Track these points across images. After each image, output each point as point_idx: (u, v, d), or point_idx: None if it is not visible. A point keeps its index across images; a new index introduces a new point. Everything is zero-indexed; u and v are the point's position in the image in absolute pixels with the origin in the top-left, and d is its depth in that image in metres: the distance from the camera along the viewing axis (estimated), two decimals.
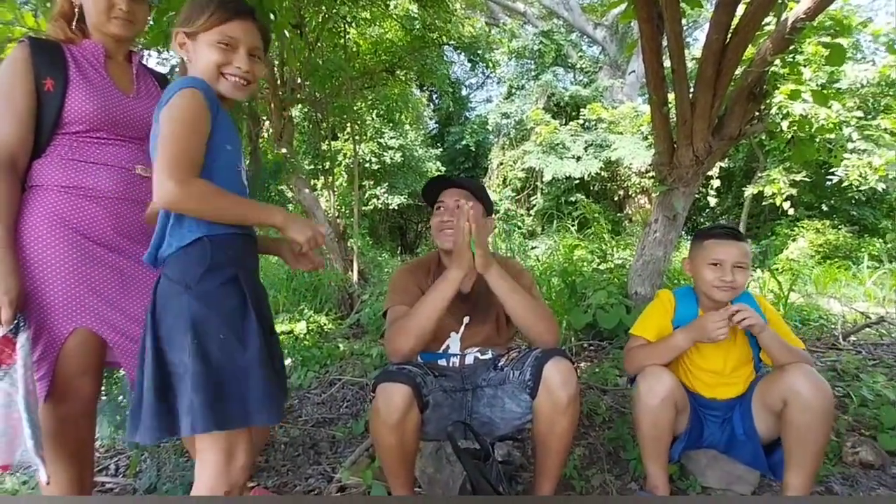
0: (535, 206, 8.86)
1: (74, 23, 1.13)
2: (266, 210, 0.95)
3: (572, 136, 8.58)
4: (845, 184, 5.95)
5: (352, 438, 1.88)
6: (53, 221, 1.04)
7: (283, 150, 3.94)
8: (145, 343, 0.90)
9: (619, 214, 8.69)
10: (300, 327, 3.26)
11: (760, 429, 1.37)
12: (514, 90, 10.67)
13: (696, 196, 2.96)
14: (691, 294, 1.50)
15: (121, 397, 1.65)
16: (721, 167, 7.29)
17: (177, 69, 1.11)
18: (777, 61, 2.33)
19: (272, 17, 1.96)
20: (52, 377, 1.04)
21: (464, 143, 10.25)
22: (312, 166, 6.64)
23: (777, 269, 5.70)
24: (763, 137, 5.80)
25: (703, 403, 1.46)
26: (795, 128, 3.53)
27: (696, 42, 11.36)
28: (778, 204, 6.52)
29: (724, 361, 1.44)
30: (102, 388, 1.30)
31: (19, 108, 1.03)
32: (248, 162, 3.45)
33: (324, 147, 5.60)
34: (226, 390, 0.86)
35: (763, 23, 2.22)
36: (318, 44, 4.17)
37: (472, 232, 1.26)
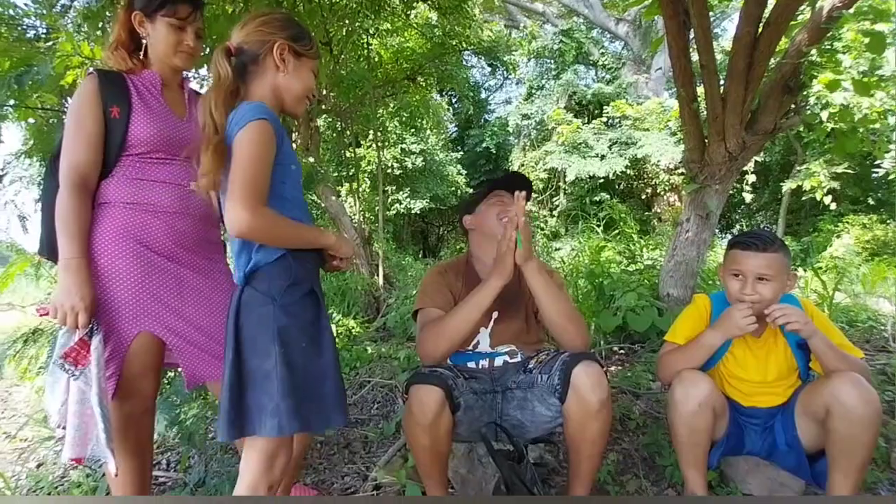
0: (557, 206, 8.77)
1: (134, 53, 1.22)
2: (322, 234, 1.03)
3: (595, 134, 8.45)
4: (893, 176, 5.65)
5: (383, 439, 1.91)
6: (120, 235, 1.13)
7: (311, 160, 4.04)
8: (226, 346, 0.97)
9: (646, 213, 8.50)
10: None
11: (804, 438, 1.31)
12: (534, 91, 10.59)
13: (731, 192, 2.86)
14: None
15: (173, 396, 1.74)
16: (756, 161, 7.03)
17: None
18: (813, 50, 2.25)
19: None
20: (119, 377, 1.13)
21: (484, 145, 10.25)
22: (337, 173, 6.77)
23: (820, 268, 5.44)
24: (801, 129, 5.57)
25: (741, 411, 1.41)
26: (836, 119, 3.37)
27: (726, 32, 11.05)
28: (819, 198, 6.23)
29: (764, 372, 1.38)
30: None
31: (90, 134, 1.13)
32: None
33: (347, 154, 5.70)
34: (306, 395, 0.93)
35: (797, 12, 2.14)
36: (342, 56, 4.27)
37: (518, 237, 1.25)
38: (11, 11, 2.55)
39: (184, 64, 1.24)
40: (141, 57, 1.23)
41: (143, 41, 1.21)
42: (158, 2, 1.17)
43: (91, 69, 1.21)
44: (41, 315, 1.12)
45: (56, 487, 1.69)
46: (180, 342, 1.16)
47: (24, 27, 2.63)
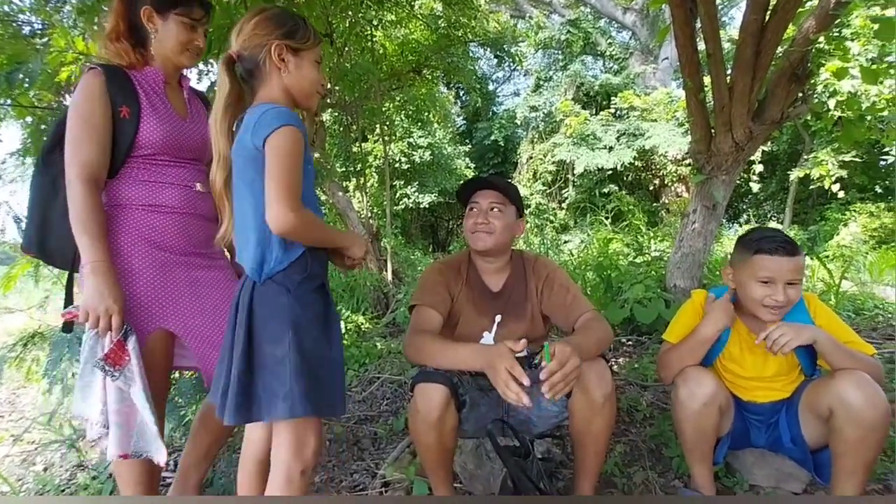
0: (566, 199, 8.73)
1: (136, 47, 1.20)
2: (345, 236, 1.10)
3: (603, 126, 8.38)
4: None
5: (392, 435, 1.93)
6: (136, 238, 1.15)
7: (317, 155, 4.05)
8: (235, 334, 0.99)
9: (654, 205, 8.43)
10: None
11: (808, 435, 1.30)
12: (541, 82, 10.50)
13: (738, 182, 2.84)
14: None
15: (177, 398, 1.76)
16: (764, 151, 6.95)
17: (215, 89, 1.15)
18: (821, 38, 2.21)
19: None
20: None
21: (492, 138, 10.19)
22: (343, 169, 6.78)
23: (827, 257, 5.39)
24: (808, 118, 5.49)
25: (743, 406, 1.41)
26: (843, 107, 3.32)
27: (733, 21, 10.84)
28: (826, 187, 6.16)
29: (761, 368, 1.37)
30: None
31: (100, 132, 1.12)
32: None
33: (354, 149, 5.71)
34: (317, 381, 0.96)
35: None
36: (346, 49, 4.25)
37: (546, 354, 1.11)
38: (6, 7, 2.47)
39: (189, 63, 1.25)
40: (142, 51, 1.20)
41: (152, 36, 1.19)
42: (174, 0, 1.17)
43: (92, 64, 1.18)
44: (68, 319, 1.10)
45: (63, 490, 1.70)
46: (197, 341, 1.19)
47: (20, 23, 2.59)
